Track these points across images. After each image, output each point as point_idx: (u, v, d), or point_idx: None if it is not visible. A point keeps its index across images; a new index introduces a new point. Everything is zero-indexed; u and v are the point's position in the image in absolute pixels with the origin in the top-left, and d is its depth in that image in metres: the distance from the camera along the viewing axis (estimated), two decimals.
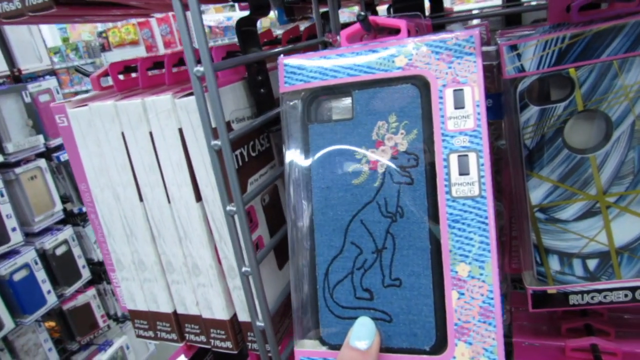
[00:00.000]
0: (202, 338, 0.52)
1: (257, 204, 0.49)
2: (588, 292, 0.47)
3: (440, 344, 0.36)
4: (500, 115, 0.46)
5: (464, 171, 0.37)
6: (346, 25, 0.55)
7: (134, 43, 3.81)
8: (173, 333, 0.53)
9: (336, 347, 0.38)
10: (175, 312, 0.53)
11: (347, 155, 0.39)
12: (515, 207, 0.47)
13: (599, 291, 0.47)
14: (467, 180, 0.37)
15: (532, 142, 0.43)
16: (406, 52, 0.37)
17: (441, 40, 0.36)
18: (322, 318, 0.39)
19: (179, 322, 0.53)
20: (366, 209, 0.38)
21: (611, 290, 0.46)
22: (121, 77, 0.56)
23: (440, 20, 0.62)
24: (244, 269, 0.43)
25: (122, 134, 0.48)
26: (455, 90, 0.36)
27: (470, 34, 0.35)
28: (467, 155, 0.37)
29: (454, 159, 0.37)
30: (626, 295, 0.46)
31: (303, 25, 0.65)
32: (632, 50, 0.38)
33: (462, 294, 0.35)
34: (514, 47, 0.40)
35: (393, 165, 0.38)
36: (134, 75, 0.56)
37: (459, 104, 0.36)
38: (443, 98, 0.36)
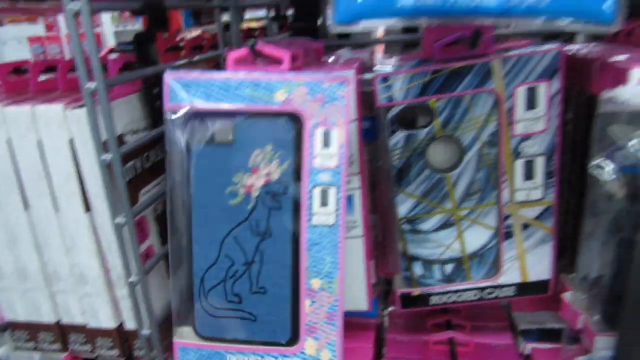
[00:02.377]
0: (87, 347, 0.53)
1: (149, 214, 0.50)
2: (445, 293, 0.54)
3: (294, 339, 0.44)
4: (377, 137, 0.51)
5: (324, 203, 0.42)
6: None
7: (31, 19, 3.44)
8: (56, 343, 0.53)
9: (208, 339, 0.45)
10: (58, 322, 0.53)
11: (226, 177, 0.42)
12: (387, 219, 0.53)
13: (454, 292, 0.54)
14: (325, 211, 0.42)
15: (400, 162, 0.48)
16: (286, 88, 0.41)
17: (318, 82, 0.40)
18: (198, 315, 0.45)
19: (63, 331, 0.52)
20: (240, 227, 0.43)
21: (464, 290, 0.54)
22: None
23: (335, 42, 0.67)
24: (131, 278, 0.44)
25: (9, 140, 0.47)
26: (324, 131, 0.40)
27: (343, 79, 0.39)
28: (328, 190, 0.42)
29: (317, 191, 0.42)
30: (475, 295, 0.54)
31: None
32: (480, 87, 0.45)
33: (314, 302, 0.42)
34: (386, 79, 0.46)
35: (265, 191, 0.42)
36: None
37: (326, 144, 0.41)
38: (314, 136, 0.40)
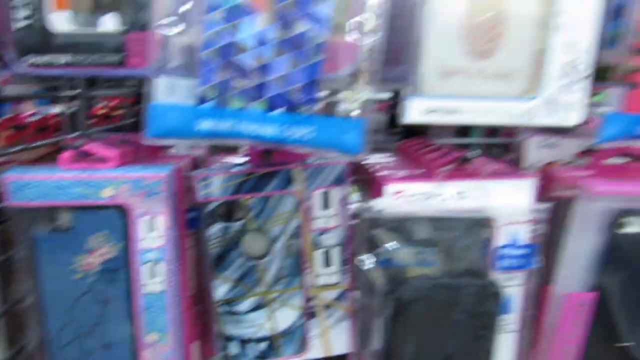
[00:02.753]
0: None
1: None
2: None
3: None
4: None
5: (153, 275, 0.47)
6: None
7: None
8: None
9: None
10: None
11: (69, 257, 0.47)
12: (207, 302, 0.58)
13: None
14: (154, 281, 0.47)
15: (217, 250, 0.54)
16: (113, 186, 0.46)
17: (139, 180, 0.46)
18: None
19: None
20: (85, 297, 0.49)
21: None
22: None
23: None
24: None
25: None
26: (149, 219, 0.46)
27: (160, 177, 0.46)
28: (156, 264, 0.47)
29: (146, 267, 0.47)
30: None
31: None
32: (284, 189, 0.54)
33: (152, 351, 0.50)
34: (204, 178, 0.52)
35: (103, 268, 0.48)
36: None
37: (151, 229, 0.46)
38: (139, 224, 0.46)
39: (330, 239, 0.57)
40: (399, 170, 0.55)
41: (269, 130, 0.42)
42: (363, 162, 0.62)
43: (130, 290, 0.50)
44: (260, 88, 0.41)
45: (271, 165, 0.53)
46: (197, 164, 0.59)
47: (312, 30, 0.40)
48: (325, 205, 0.55)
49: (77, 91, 0.65)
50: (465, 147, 0.65)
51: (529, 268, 0.51)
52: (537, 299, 0.59)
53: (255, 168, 0.53)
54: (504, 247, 0.51)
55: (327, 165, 0.54)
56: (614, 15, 0.49)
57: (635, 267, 0.54)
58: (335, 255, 0.57)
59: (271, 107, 0.41)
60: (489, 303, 0.51)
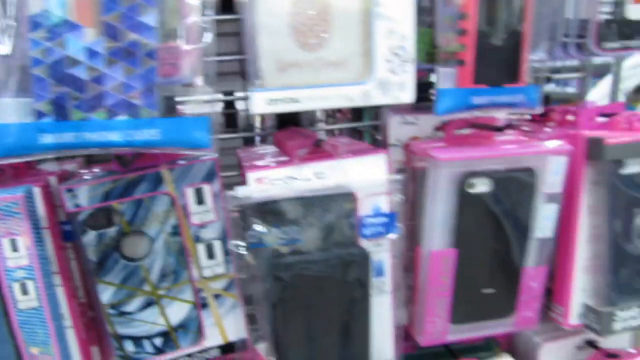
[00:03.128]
0: None
1: None
2: None
3: None
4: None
5: (25, 292, 0.48)
6: None
7: None
8: None
9: None
10: None
11: None
12: (96, 307, 0.59)
13: None
14: (28, 298, 0.48)
15: (96, 257, 0.55)
16: None
17: None
18: None
19: None
20: None
21: (176, 359, 0.62)
22: None
23: None
24: None
25: None
26: (10, 240, 0.46)
27: (16, 198, 0.46)
28: (26, 282, 0.47)
29: (16, 285, 0.47)
30: None
31: None
32: (155, 190, 0.55)
33: None
34: (70, 190, 0.53)
35: None
36: None
37: (14, 249, 0.46)
38: (2, 245, 0.46)
39: (210, 233, 0.59)
40: (268, 158, 0.58)
41: (114, 137, 0.43)
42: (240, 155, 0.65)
43: (3, 308, 0.50)
44: (98, 98, 0.42)
45: (136, 170, 0.54)
46: (67, 177, 0.59)
47: (140, 39, 0.42)
48: (200, 201, 0.57)
49: None
50: (333, 132, 0.69)
51: (392, 234, 0.56)
52: (410, 260, 0.65)
53: (120, 174, 0.54)
54: (367, 217, 0.55)
55: (194, 164, 0.56)
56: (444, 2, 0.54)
57: (485, 222, 0.60)
58: (218, 247, 0.60)
59: (112, 115, 0.43)
60: (360, 269, 0.55)
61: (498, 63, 0.56)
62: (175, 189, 0.56)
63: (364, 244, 0.56)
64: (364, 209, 0.55)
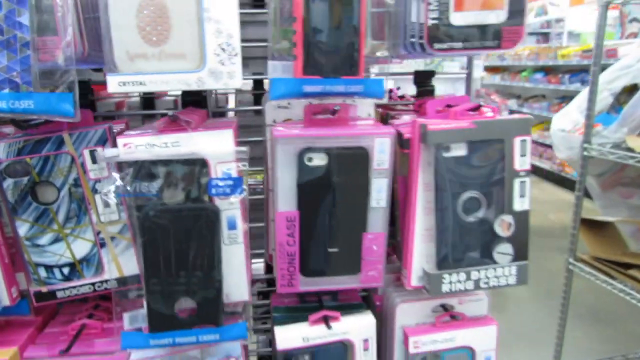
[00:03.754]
0: None
1: None
2: (67, 288, 0.78)
3: None
4: None
5: None
6: None
7: None
8: None
9: None
10: None
11: None
12: (18, 238, 0.76)
13: (74, 287, 0.78)
14: None
15: (13, 199, 0.72)
16: None
17: None
18: None
19: None
20: None
21: (81, 286, 0.78)
22: None
23: None
24: None
25: None
26: None
27: None
28: None
29: None
30: (89, 288, 0.79)
31: None
32: (59, 150, 0.71)
33: None
34: None
35: None
36: None
37: None
38: None
39: (104, 186, 0.75)
40: (140, 130, 0.73)
41: (1, 105, 0.59)
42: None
43: None
44: None
45: (43, 133, 0.71)
46: None
47: (17, 33, 0.58)
48: (94, 160, 0.73)
49: None
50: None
51: (237, 194, 0.70)
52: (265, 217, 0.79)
53: (30, 136, 0.71)
54: (216, 179, 0.69)
55: (89, 130, 0.72)
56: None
57: (323, 190, 0.73)
58: (112, 197, 0.75)
59: None
60: (210, 220, 0.69)
61: (331, 58, 0.68)
62: (75, 149, 0.72)
63: (217, 202, 0.70)
64: (215, 173, 0.69)
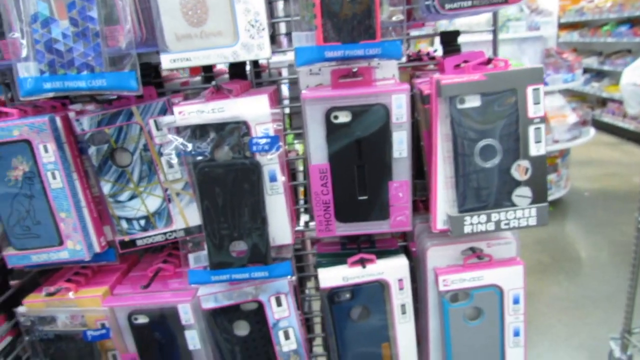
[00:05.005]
0: None
1: None
2: (144, 237, 0.94)
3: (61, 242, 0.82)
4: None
5: (54, 178, 0.83)
6: None
7: None
8: None
9: (19, 248, 0.88)
10: None
11: (4, 173, 0.83)
12: (103, 196, 0.93)
13: (149, 236, 0.94)
14: (56, 181, 0.83)
15: (97, 162, 0.89)
16: (17, 129, 0.81)
17: (32, 124, 0.80)
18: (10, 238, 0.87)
19: None
20: (18, 194, 0.85)
21: (155, 235, 0.94)
22: None
23: None
24: None
25: None
26: (43, 145, 0.81)
27: (44, 120, 0.80)
28: (54, 171, 0.82)
29: (49, 173, 0.82)
30: (162, 237, 0.94)
31: None
32: (129, 121, 0.87)
33: (64, 224, 0.81)
34: (78, 120, 0.86)
35: (24, 176, 0.82)
36: None
37: (46, 151, 0.82)
38: (39, 149, 0.81)
39: (167, 149, 0.89)
40: (192, 100, 0.86)
41: (81, 84, 0.75)
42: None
43: (43, 187, 0.85)
44: (71, 61, 0.74)
45: (117, 107, 0.86)
46: (80, 113, 0.93)
47: (89, 25, 0.72)
48: (157, 128, 0.88)
49: None
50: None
51: (275, 150, 0.81)
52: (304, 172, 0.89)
53: (106, 110, 0.86)
54: (255, 138, 0.81)
55: (152, 103, 0.87)
56: None
57: (350, 144, 0.83)
58: (174, 158, 0.90)
59: (79, 71, 0.74)
60: (253, 173, 0.82)
61: (348, 25, 0.77)
62: (142, 119, 0.87)
63: (258, 157, 0.82)
64: (255, 132, 0.81)
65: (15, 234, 0.88)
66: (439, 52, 1.16)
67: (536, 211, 0.83)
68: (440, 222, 0.87)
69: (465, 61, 0.83)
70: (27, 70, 0.74)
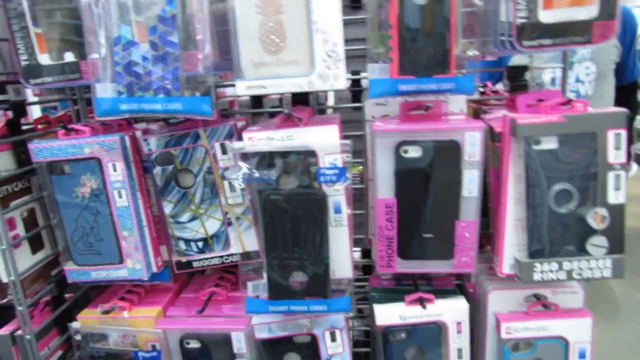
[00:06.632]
0: None
1: (17, 215, 0.89)
2: (201, 259, 0.94)
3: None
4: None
5: (120, 196, 0.83)
6: None
7: None
8: None
9: (81, 265, 0.88)
10: None
11: (72, 189, 0.83)
12: (162, 218, 0.93)
13: (206, 259, 0.94)
14: (121, 200, 0.83)
15: (161, 183, 0.89)
16: (89, 146, 0.82)
17: (103, 142, 0.81)
18: (73, 253, 0.87)
19: None
20: (84, 212, 0.86)
21: (211, 257, 0.94)
22: None
23: None
24: (1, 247, 0.83)
25: None
26: (112, 163, 0.82)
27: (115, 140, 0.81)
28: (121, 190, 0.83)
29: (116, 191, 0.83)
30: (218, 260, 0.94)
31: None
32: (195, 143, 0.87)
33: (126, 242, 0.82)
34: (145, 140, 0.87)
35: (92, 193, 0.83)
36: None
37: (115, 170, 0.82)
38: (108, 167, 0.82)
39: (231, 173, 0.89)
40: (260, 125, 0.86)
41: (157, 106, 0.75)
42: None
43: (108, 205, 0.86)
44: (148, 84, 0.75)
45: (184, 129, 0.87)
46: (146, 132, 0.94)
47: (169, 49, 0.73)
48: (224, 151, 0.88)
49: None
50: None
51: (342, 182, 0.80)
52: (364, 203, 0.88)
53: (174, 131, 0.87)
54: (324, 168, 0.80)
55: (219, 126, 0.87)
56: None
57: (419, 180, 0.81)
58: (237, 183, 0.89)
59: (156, 94, 0.75)
60: (319, 204, 0.80)
61: (423, 59, 0.76)
62: (208, 142, 0.87)
63: (325, 188, 0.81)
64: (322, 163, 0.80)
65: (77, 249, 0.88)
66: (499, 85, 1.14)
67: (612, 262, 0.79)
68: (506, 266, 0.83)
69: (539, 100, 0.80)
70: (105, 91, 0.75)
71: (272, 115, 0.95)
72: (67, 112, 1.10)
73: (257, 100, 1.13)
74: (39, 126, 1.01)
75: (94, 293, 1.08)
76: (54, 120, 1.05)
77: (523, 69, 0.96)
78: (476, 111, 0.97)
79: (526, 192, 0.78)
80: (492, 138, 0.82)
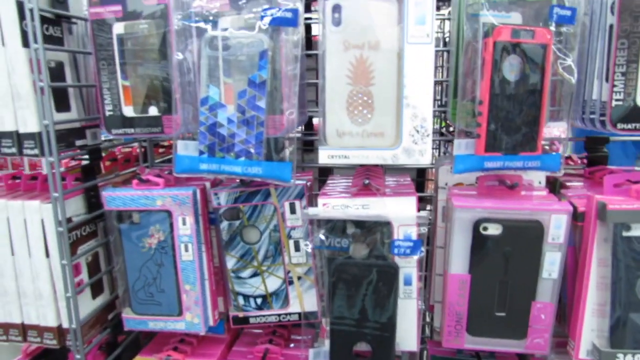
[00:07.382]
0: (38, 339, 0.89)
1: (83, 260, 0.89)
2: (257, 316, 0.92)
3: (180, 312, 0.83)
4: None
5: (186, 250, 0.82)
6: None
7: None
8: (19, 336, 0.90)
9: (139, 314, 0.86)
10: (22, 323, 0.90)
11: (139, 239, 0.83)
12: (222, 271, 0.92)
13: (264, 316, 0.92)
14: (187, 254, 0.82)
15: (226, 237, 0.88)
16: (161, 199, 0.81)
17: (176, 195, 0.81)
18: (133, 302, 0.85)
19: (24, 328, 0.89)
20: (148, 262, 0.85)
21: (269, 315, 0.92)
22: None
23: None
24: (67, 294, 0.82)
25: (7, 218, 0.86)
26: (182, 217, 0.81)
27: (187, 194, 0.80)
28: (187, 244, 0.82)
29: (182, 245, 0.82)
30: (275, 318, 0.92)
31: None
32: (265, 201, 0.86)
33: (187, 295, 0.80)
34: (216, 194, 0.86)
35: (158, 245, 0.83)
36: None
37: (184, 224, 0.81)
38: (177, 221, 0.81)
39: (297, 234, 0.87)
40: (333, 190, 0.85)
41: (237, 169, 0.74)
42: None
43: (174, 258, 0.85)
44: (231, 146, 0.74)
45: (255, 186, 0.86)
46: (216, 184, 0.93)
47: (256, 114, 0.72)
48: (292, 211, 0.87)
49: None
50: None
51: (416, 255, 0.78)
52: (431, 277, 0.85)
53: (245, 188, 0.86)
54: (398, 240, 0.78)
55: (290, 187, 0.86)
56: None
57: (496, 258, 0.78)
58: (302, 243, 0.88)
59: (237, 156, 0.74)
60: (391, 275, 0.78)
61: (511, 136, 0.74)
62: (277, 201, 0.86)
63: (396, 259, 0.79)
64: (397, 234, 0.78)
65: (137, 298, 0.87)
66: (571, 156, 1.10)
67: None
68: (583, 351, 0.79)
69: (628, 180, 0.77)
70: (185, 149, 0.75)
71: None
72: (133, 147, 1.10)
73: None
74: (107, 163, 1.01)
75: (143, 335, 1.06)
76: (121, 159, 1.05)
77: (604, 140, 0.93)
78: (551, 181, 0.94)
79: (612, 279, 0.74)
80: (574, 217, 0.79)
